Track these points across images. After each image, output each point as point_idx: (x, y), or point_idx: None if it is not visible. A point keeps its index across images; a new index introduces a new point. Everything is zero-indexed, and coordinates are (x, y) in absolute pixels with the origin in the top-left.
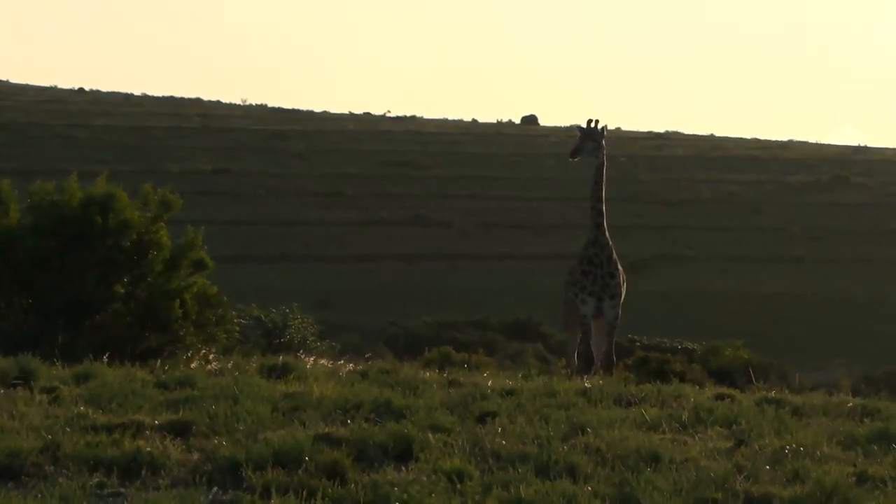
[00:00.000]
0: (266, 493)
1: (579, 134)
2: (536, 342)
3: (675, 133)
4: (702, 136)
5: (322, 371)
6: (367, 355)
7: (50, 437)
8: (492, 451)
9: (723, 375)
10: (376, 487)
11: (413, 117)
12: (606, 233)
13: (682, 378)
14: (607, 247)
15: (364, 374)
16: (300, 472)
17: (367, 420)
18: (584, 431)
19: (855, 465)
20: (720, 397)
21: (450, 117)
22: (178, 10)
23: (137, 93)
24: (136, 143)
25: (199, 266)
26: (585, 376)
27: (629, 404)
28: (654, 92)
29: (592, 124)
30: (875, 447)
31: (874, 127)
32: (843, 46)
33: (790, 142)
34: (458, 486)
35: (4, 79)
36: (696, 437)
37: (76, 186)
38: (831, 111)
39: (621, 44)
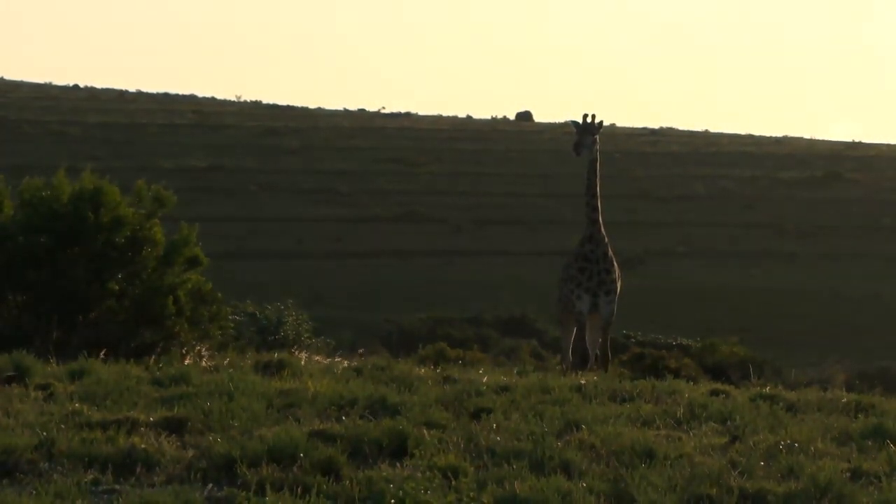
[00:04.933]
0: (261, 490)
1: (576, 129)
2: (531, 338)
3: (670, 129)
4: (696, 132)
5: (317, 367)
6: (360, 351)
7: (45, 433)
8: (486, 448)
9: (717, 371)
10: (371, 484)
11: (408, 114)
12: (602, 229)
13: (676, 374)
14: (603, 243)
15: (359, 371)
16: (295, 468)
17: (361, 416)
18: (578, 428)
19: (849, 461)
20: (714, 393)
21: (444, 114)
22: (172, 6)
23: (132, 89)
24: (129, 140)
25: (193, 262)
26: (580, 372)
27: (624, 400)
28: (648, 88)
29: (588, 119)
30: (869, 443)
31: (869, 123)
32: (838, 42)
33: (784, 138)
34: (453, 482)
35: None
36: (691, 433)
37: (65, 181)
38: (826, 107)
39: (616, 41)
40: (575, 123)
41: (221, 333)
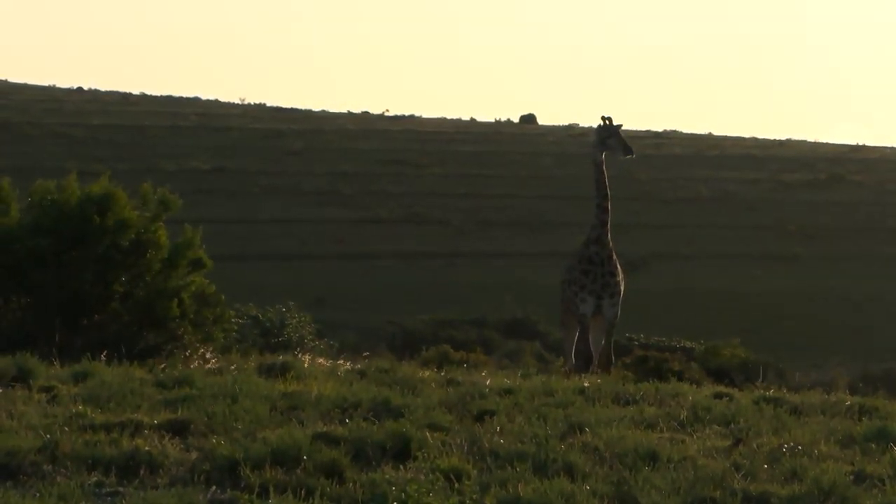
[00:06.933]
0: (264, 492)
1: (612, 132)
2: (534, 340)
3: (674, 132)
4: (700, 134)
5: (320, 370)
6: (364, 354)
7: (48, 436)
8: (490, 450)
9: (721, 374)
10: (374, 486)
11: (412, 116)
12: (609, 232)
13: (680, 377)
14: (608, 245)
15: (362, 373)
16: (298, 471)
17: (365, 419)
18: (582, 430)
19: (853, 464)
20: (718, 396)
21: (448, 116)
22: (176, 9)
23: (136, 92)
24: (133, 142)
25: (197, 265)
26: (583, 375)
27: (627, 403)
28: (652, 91)
29: (606, 122)
30: (873, 446)
31: (873, 125)
32: (842, 44)
33: (787, 140)
34: (456, 484)
35: (3, 78)
36: (694, 436)
37: (75, 185)
38: (829, 110)
39: (620, 43)
40: (612, 127)
41: (225, 336)
